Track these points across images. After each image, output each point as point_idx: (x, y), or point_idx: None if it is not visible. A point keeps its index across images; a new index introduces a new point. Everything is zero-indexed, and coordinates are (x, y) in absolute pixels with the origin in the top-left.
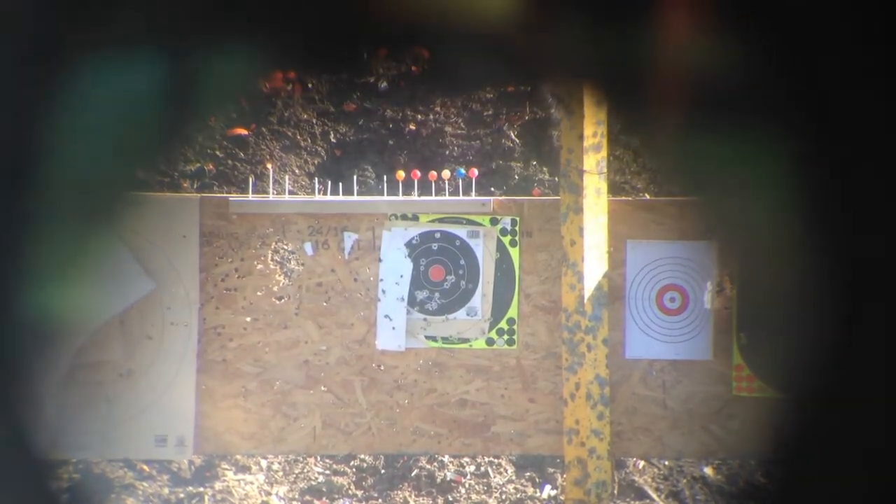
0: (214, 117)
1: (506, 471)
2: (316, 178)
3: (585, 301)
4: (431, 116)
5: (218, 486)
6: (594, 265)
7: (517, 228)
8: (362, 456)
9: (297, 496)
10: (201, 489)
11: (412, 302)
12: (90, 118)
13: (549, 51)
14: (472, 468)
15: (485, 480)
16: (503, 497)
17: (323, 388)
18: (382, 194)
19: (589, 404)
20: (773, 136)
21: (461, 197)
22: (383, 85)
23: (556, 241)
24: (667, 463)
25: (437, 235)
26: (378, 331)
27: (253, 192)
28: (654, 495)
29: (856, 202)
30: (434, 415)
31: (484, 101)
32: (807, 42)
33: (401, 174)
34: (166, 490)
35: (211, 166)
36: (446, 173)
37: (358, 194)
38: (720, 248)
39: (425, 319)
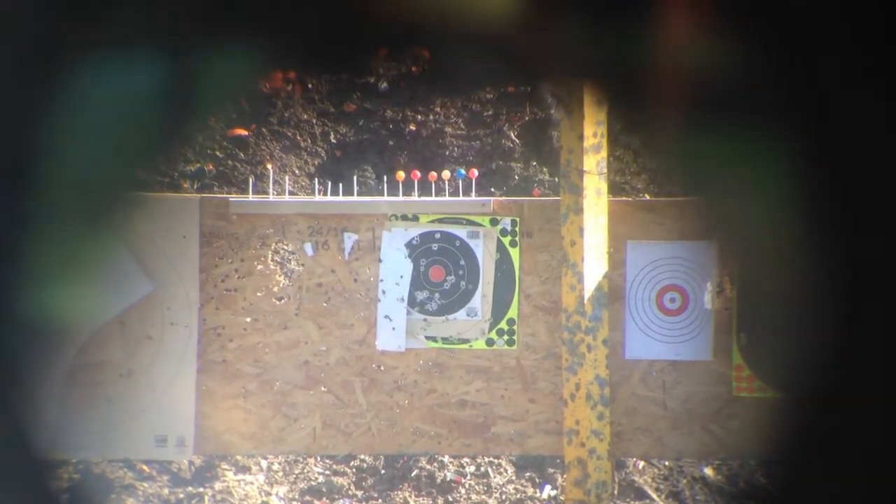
0: (214, 117)
1: (506, 471)
2: (316, 179)
3: (585, 301)
4: (431, 117)
5: (218, 486)
6: (594, 266)
7: (517, 229)
8: (362, 456)
9: (297, 496)
10: (201, 489)
11: (412, 302)
12: (90, 118)
13: (549, 51)
14: (472, 468)
15: (485, 481)
16: (503, 497)
17: (323, 388)
18: (382, 195)
19: (589, 405)
20: (773, 136)
21: (461, 197)
22: (383, 85)
23: (557, 242)
24: (667, 463)
25: (438, 236)
26: (378, 331)
27: (253, 193)
28: (654, 495)
29: (856, 202)
30: (434, 415)
31: (484, 101)
32: (807, 42)
33: (401, 174)
34: (166, 490)
35: (211, 166)
36: (446, 174)
37: (358, 195)
38: (720, 248)
39: (425, 320)
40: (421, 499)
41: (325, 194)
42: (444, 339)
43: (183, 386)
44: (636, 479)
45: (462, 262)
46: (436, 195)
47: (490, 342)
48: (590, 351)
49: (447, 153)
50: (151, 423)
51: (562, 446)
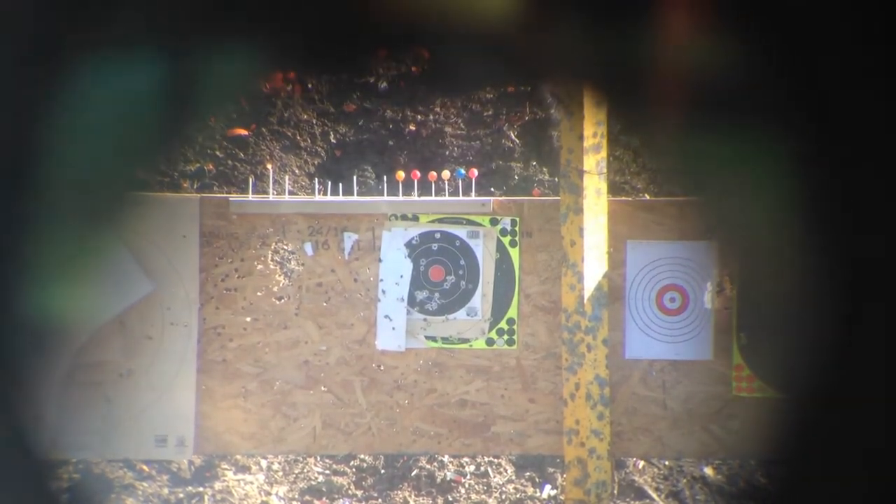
0: (214, 117)
1: (506, 471)
2: (316, 179)
3: (585, 301)
4: (431, 117)
5: (218, 486)
6: (594, 265)
7: (517, 229)
8: (362, 456)
9: (297, 496)
10: (201, 489)
11: (412, 302)
12: (90, 118)
13: (549, 51)
14: (472, 468)
15: (485, 480)
16: (503, 497)
17: (323, 388)
18: (382, 194)
19: (589, 404)
20: (773, 136)
21: (461, 197)
22: (383, 85)
23: (556, 242)
24: (667, 463)
25: (437, 236)
26: (378, 331)
27: (253, 193)
28: (654, 495)
29: (856, 202)
30: (434, 415)
31: (484, 101)
32: (807, 42)
33: (401, 174)
34: (166, 490)
35: (211, 166)
36: (446, 174)
37: (358, 194)
38: (720, 248)
39: (425, 320)
40: (421, 498)
41: (325, 194)
42: (444, 339)
43: (183, 386)
44: (636, 478)
45: (462, 262)
46: (436, 195)
47: (490, 342)
48: (590, 351)
49: (447, 153)
50: (151, 422)
51: (562, 446)
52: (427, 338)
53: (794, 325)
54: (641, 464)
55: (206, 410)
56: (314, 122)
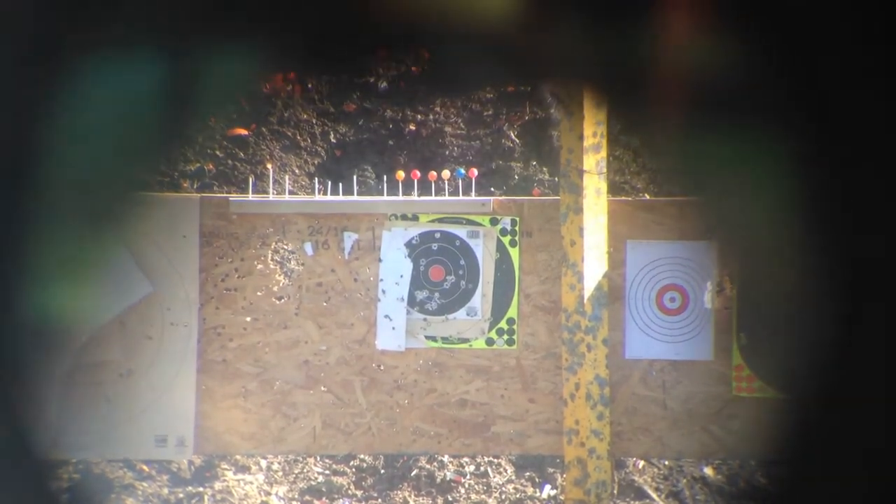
0: (214, 117)
1: (505, 471)
2: (316, 178)
3: (585, 301)
4: (431, 116)
5: (218, 486)
6: (594, 265)
7: (517, 228)
8: (362, 456)
9: (296, 496)
10: (201, 489)
11: (412, 302)
12: (90, 118)
13: (549, 51)
14: (472, 468)
15: (484, 480)
16: (503, 497)
17: (323, 388)
18: (382, 194)
19: (589, 404)
20: (773, 136)
21: (461, 197)
22: (383, 85)
23: (556, 242)
24: (667, 463)
25: (437, 235)
26: (378, 331)
27: (253, 192)
28: (654, 495)
29: (856, 202)
30: (434, 415)
31: (484, 101)
32: (807, 42)
33: (401, 174)
34: (166, 490)
35: (211, 166)
36: (446, 173)
37: (358, 194)
38: (720, 248)
39: (425, 319)
40: (421, 498)
41: (325, 194)
42: (444, 339)
43: (183, 386)
44: (636, 478)
45: (462, 262)
46: (436, 195)
47: (490, 342)
48: (590, 351)
49: (447, 153)
50: (151, 422)
51: (562, 446)
52: (427, 338)
53: (794, 325)
54: (641, 464)
55: (205, 410)
56: (314, 122)
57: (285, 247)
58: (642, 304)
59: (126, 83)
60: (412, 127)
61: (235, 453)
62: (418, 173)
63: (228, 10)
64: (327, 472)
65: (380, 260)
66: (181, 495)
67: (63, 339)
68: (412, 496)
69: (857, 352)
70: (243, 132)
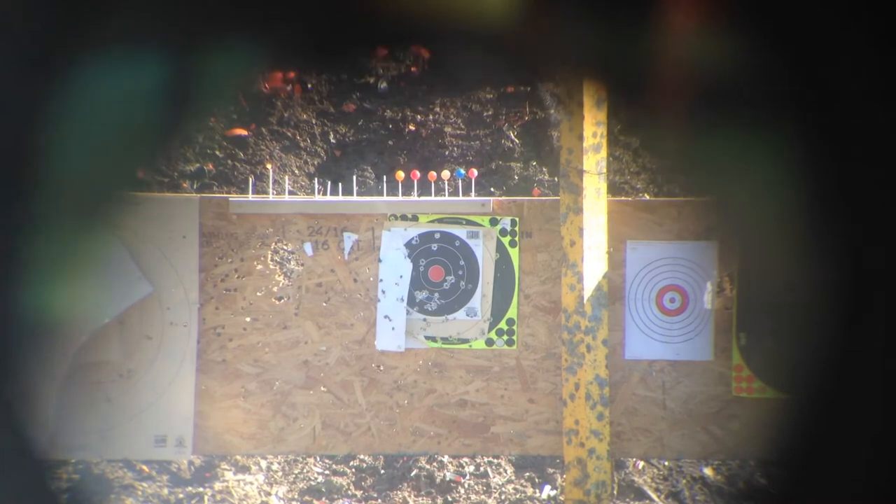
0: (214, 117)
1: (505, 471)
2: (316, 179)
3: (585, 302)
4: (431, 117)
5: (217, 486)
6: (594, 266)
7: (517, 229)
8: (362, 456)
9: (296, 496)
10: (201, 489)
11: (412, 302)
12: (90, 118)
13: (549, 51)
14: (472, 468)
15: (484, 480)
16: (503, 497)
17: (323, 388)
18: (382, 195)
19: (588, 405)
20: (774, 136)
21: (461, 197)
22: (383, 85)
23: (556, 242)
24: (666, 463)
25: (437, 236)
26: (378, 331)
27: (253, 193)
28: (653, 496)
29: (857, 202)
30: (434, 415)
31: (484, 101)
32: (809, 42)
33: (400, 174)
34: (166, 490)
35: (211, 166)
36: (446, 174)
37: (357, 195)
38: (720, 248)
39: (425, 320)
40: (420, 499)
41: (324, 194)
42: (444, 339)
43: (182, 386)
44: (636, 479)
45: (462, 262)
46: (435, 195)
47: (490, 342)
48: (589, 351)
49: (447, 153)
50: (151, 422)
51: (561, 446)
52: (427, 338)
53: (794, 325)
54: (641, 464)
55: (205, 410)
56: (314, 122)
57: (285, 247)
58: (642, 305)
59: (126, 83)
60: (412, 127)
61: (235, 453)
62: (418, 173)
63: (228, 9)
64: (327, 472)
65: (379, 260)
66: (181, 495)
67: (62, 340)
68: (412, 496)
69: (857, 352)
70: (243, 132)
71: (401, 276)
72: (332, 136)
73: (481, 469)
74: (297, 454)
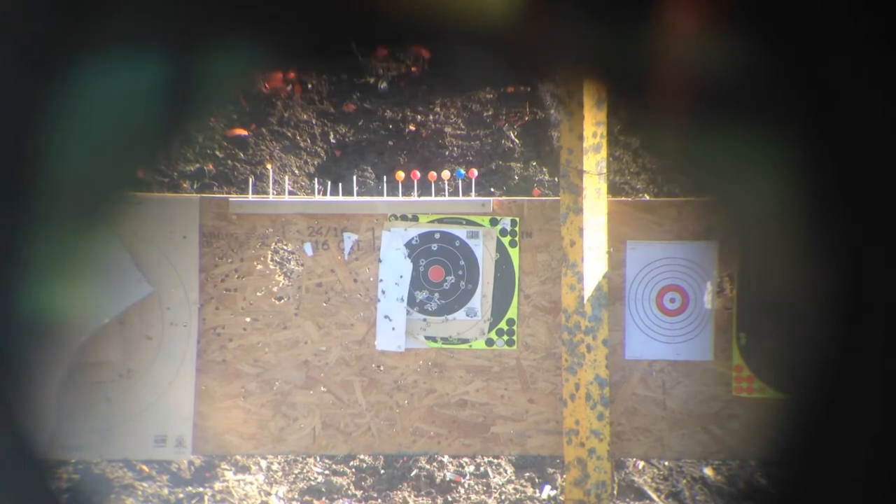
0: (214, 117)
1: (505, 471)
2: (316, 179)
3: (585, 302)
4: (431, 117)
5: (217, 486)
6: (594, 266)
7: (517, 229)
8: (362, 456)
9: (296, 496)
10: (201, 489)
11: (412, 302)
12: (90, 118)
13: (549, 50)
14: (472, 468)
15: (484, 481)
16: (503, 497)
17: (323, 388)
18: (382, 195)
19: (589, 405)
20: (774, 136)
21: (461, 197)
22: (383, 86)
23: (556, 242)
24: (666, 463)
25: (437, 236)
26: (378, 331)
27: (253, 193)
28: (653, 496)
29: (857, 202)
30: (434, 415)
31: (484, 101)
32: (810, 42)
33: (400, 175)
34: (166, 490)
35: (211, 166)
36: (446, 174)
37: (357, 195)
38: (720, 249)
39: (425, 320)
40: (420, 499)
41: (324, 194)
42: (444, 339)
43: (182, 386)
44: (636, 479)
45: (462, 262)
46: (435, 195)
47: (490, 342)
48: (589, 351)
49: (447, 153)
50: (151, 422)
51: (561, 446)
52: (427, 338)
53: (794, 325)
54: (641, 464)
55: (205, 411)
56: (314, 122)
57: (285, 247)
58: (642, 305)
59: (126, 83)
60: (412, 127)
61: (235, 453)
62: (418, 174)
63: (228, 9)
64: (327, 472)
65: (379, 260)
66: (181, 495)
67: (62, 340)
68: (412, 496)
69: (857, 352)
70: (243, 132)
71: (401, 277)
72: (332, 136)
73: (481, 469)
74: (297, 454)
